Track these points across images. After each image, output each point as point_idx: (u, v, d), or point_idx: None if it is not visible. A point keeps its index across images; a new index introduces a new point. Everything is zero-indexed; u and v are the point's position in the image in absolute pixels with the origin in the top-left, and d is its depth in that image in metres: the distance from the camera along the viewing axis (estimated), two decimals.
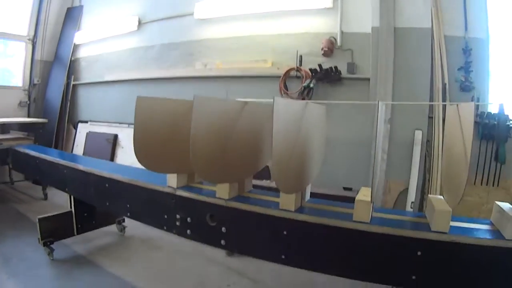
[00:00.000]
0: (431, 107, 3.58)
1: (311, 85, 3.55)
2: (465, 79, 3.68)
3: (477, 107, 3.63)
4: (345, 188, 3.50)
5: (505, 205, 1.57)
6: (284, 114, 1.54)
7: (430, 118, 3.57)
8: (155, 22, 4.91)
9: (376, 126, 1.57)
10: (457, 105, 1.65)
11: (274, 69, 3.87)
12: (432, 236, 1.41)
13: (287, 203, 1.69)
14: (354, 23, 3.77)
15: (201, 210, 1.89)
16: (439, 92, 3.58)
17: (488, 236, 1.40)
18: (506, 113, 3.55)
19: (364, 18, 3.69)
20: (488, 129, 3.54)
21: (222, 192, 1.84)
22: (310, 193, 1.95)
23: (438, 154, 3.55)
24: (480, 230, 1.46)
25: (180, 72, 4.44)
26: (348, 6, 3.81)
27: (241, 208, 1.78)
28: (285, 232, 1.67)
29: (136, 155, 1.84)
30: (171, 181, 2.02)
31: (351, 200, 3.58)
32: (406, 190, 3.51)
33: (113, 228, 3.64)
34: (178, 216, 1.98)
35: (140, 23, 5.05)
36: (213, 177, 1.82)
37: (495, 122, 3.56)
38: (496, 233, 1.43)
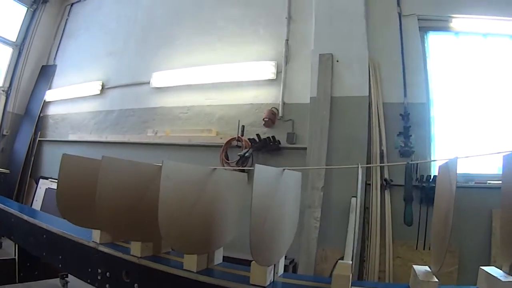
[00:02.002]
0: (368, 175, 3.61)
1: (247, 154, 3.62)
2: (405, 144, 3.73)
3: (416, 170, 3.67)
4: None
5: (420, 268, 1.60)
6: (262, 182, 1.56)
7: (368, 185, 3.58)
8: (116, 88, 5.12)
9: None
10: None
11: (218, 138, 3.97)
12: None
13: (190, 264, 1.73)
14: (295, 94, 3.92)
15: (118, 266, 1.97)
16: (377, 158, 3.63)
17: None
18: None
19: (305, 89, 3.83)
20: (429, 192, 3.55)
21: (135, 250, 1.91)
22: (236, 258, 2.05)
23: (376, 221, 3.55)
24: None
25: (134, 138, 4.58)
26: (290, 78, 3.97)
27: (150, 266, 1.84)
28: None
29: (58, 207, 1.96)
30: (95, 236, 2.12)
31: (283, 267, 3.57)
32: (343, 258, 3.48)
33: (57, 282, 3.62)
34: (99, 270, 2.06)
35: (103, 88, 5.27)
36: (121, 234, 1.92)
37: (434, 185, 3.58)
38: None
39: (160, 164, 1.75)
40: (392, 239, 3.53)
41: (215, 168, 1.97)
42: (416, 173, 3.67)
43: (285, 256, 3.50)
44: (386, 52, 3.96)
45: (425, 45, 4.25)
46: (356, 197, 3.58)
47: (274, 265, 1.72)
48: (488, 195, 3.49)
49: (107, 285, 2.02)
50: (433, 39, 4.32)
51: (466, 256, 3.45)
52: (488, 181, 3.72)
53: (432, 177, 3.58)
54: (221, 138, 3.96)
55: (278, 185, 1.72)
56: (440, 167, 1.84)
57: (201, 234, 1.80)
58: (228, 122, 4.04)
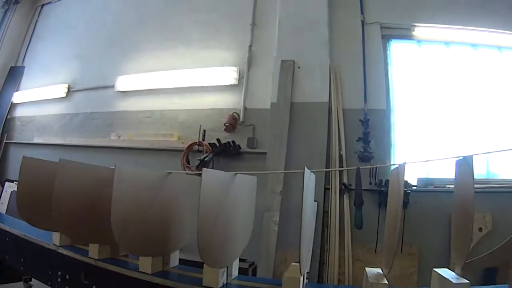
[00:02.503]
0: (327, 179, 3.63)
1: (207, 159, 3.60)
2: (364, 150, 3.76)
3: (374, 175, 3.71)
4: (239, 259, 3.45)
5: (372, 271, 1.62)
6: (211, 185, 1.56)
7: (327, 189, 3.61)
8: (82, 91, 5.06)
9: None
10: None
11: (179, 143, 3.95)
12: None
13: (145, 267, 1.74)
14: (257, 100, 3.93)
15: (77, 268, 1.97)
16: (336, 163, 3.66)
17: None
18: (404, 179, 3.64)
19: (267, 95, 3.85)
20: (386, 196, 3.59)
21: (93, 252, 1.92)
22: (194, 261, 1.95)
23: (335, 225, 3.57)
24: None
25: (97, 142, 4.52)
26: (252, 84, 3.99)
27: (107, 268, 1.85)
28: None
29: (18, 209, 1.97)
30: (55, 238, 2.11)
31: (242, 271, 3.54)
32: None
33: (20, 285, 3.51)
34: (59, 273, 2.06)
35: (69, 90, 5.19)
36: (79, 236, 1.92)
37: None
38: None
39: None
40: (351, 242, 3.56)
41: (170, 172, 1.98)
42: (375, 178, 3.72)
43: (245, 259, 3.53)
44: (348, 59, 4.02)
45: (387, 52, 4.33)
46: (316, 201, 3.63)
47: (227, 267, 1.74)
48: (447, 199, 3.52)
49: (66, 287, 2.03)
50: (395, 47, 4.41)
51: (426, 259, 3.51)
52: (447, 185, 3.80)
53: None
54: (182, 143, 3.94)
55: (229, 189, 1.72)
56: (391, 172, 1.88)
57: (155, 237, 1.81)
58: (190, 126, 4.02)
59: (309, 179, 1.67)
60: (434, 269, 1.69)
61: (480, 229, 3.68)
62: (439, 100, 4.28)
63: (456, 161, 1.71)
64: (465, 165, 1.61)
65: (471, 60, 4.46)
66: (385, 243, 1.81)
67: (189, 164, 3.79)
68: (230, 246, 1.75)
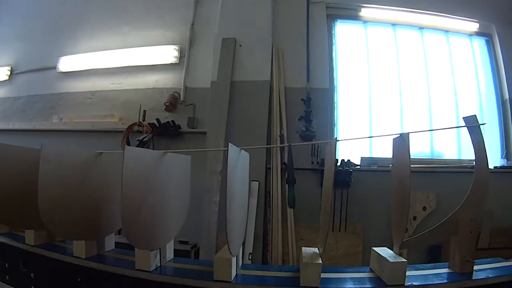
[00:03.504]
0: (268, 159, 3.63)
1: (145, 139, 3.54)
2: (306, 129, 3.78)
3: (317, 154, 3.74)
4: (181, 242, 3.44)
5: (308, 251, 1.60)
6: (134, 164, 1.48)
7: (268, 168, 3.61)
8: (25, 73, 4.84)
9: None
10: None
11: (120, 124, 3.86)
12: None
13: (79, 251, 1.69)
14: (198, 79, 3.87)
15: (15, 256, 1.92)
16: (277, 142, 3.65)
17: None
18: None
19: (208, 74, 3.78)
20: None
21: (29, 238, 1.86)
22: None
23: (277, 204, 3.57)
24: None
25: (40, 125, 4.35)
26: (194, 62, 3.92)
27: (43, 254, 1.80)
28: (79, 279, 1.67)
29: None
30: None
31: (185, 253, 3.47)
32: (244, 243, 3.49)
33: None
34: None
35: (12, 73, 4.97)
36: (15, 223, 1.88)
37: (340, 168, 3.65)
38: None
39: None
40: (294, 222, 3.57)
41: (102, 153, 1.91)
42: (317, 157, 3.75)
43: (187, 242, 3.50)
44: (291, 38, 3.99)
45: (333, 32, 4.34)
46: (257, 181, 3.62)
47: (160, 250, 1.68)
48: (390, 178, 3.63)
49: (7, 277, 1.97)
50: (341, 27, 4.43)
51: (371, 237, 3.57)
52: (390, 165, 3.86)
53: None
54: (122, 124, 3.85)
55: (158, 168, 1.67)
56: (326, 150, 1.86)
57: (88, 220, 1.74)
58: (131, 107, 3.93)
59: (239, 156, 1.63)
60: (373, 248, 1.70)
61: (424, 208, 3.77)
62: (383, 81, 4.34)
63: (393, 139, 1.71)
64: (401, 142, 1.61)
65: (417, 43, 4.54)
66: (320, 222, 1.77)
67: (129, 145, 3.71)
68: (160, 228, 1.69)
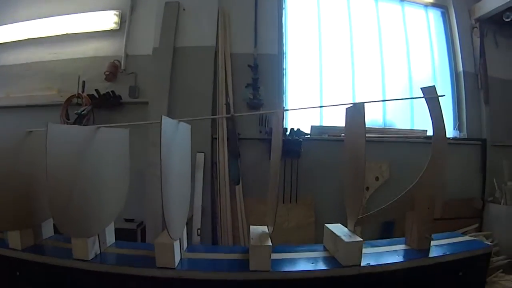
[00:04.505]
0: (214, 128, 3.53)
1: (84, 112, 3.37)
2: (254, 96, 3.69)
3: (265, 123, 3.67)
4: (126, 220, 3.35)
5: (256, 230, 1.53)
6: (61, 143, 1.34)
7: (215, 139, 3.52)
8: None
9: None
10: None
11: (58, 96, 3.66)
12: None
13: (14, 242, 1.55)
14: (139, 45, 3.68)
15: None
16: (223, 111, 3.55)
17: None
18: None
19: (150, 40, 3.59)
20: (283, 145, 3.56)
21: None
22: None
23: (224, 176, 3.49)
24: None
25: None
26: (135, 28, 3.72)
27: None
28: (17, 273, 1.56)
29: None
30: None
31: (130, 232, 3.34)
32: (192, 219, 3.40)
33: None
34: None
35: None
36: None
37: (290, 138, 3.60)
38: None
39: None
40: (243, 194, 3.50)
41: (31, 131, 1.71)
42: (265, 126, 3.67)
43: (133, 220, 3.40)
44: (239, 2, 3.82)
45: None
46: (203, 152, 3.49)
47: (99, 235, 1.56)
48: (341, 148, 3.61)
49: None
50: None
51: (323, 209, 3.55)
52: (342, 134, 3.83)
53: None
54: (61, 96, 3.65)
55: (90, 145, 1.53)
56: (273, 121, 1.73)
57: (19, 207, 1.58)
58: (70, 78, 3.70)
59: (177, 129, 1.50)
60: (326, 224, 1.62)
61: (377, 178, 3.78)
62: (335, 48, 4.27)
63: (346, 108, 1.64)
64: (356, 112, 1.53)
65: (371, 11, 4.46)
66: (268, 199, 1.68)
67: (68, 119, 3.54)
68: (96, 211, 1.56)
